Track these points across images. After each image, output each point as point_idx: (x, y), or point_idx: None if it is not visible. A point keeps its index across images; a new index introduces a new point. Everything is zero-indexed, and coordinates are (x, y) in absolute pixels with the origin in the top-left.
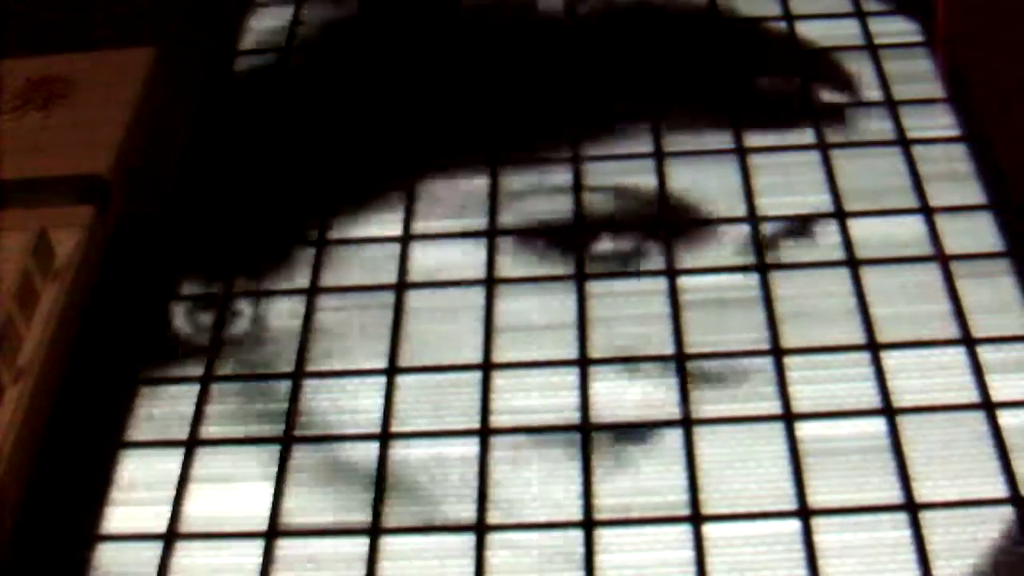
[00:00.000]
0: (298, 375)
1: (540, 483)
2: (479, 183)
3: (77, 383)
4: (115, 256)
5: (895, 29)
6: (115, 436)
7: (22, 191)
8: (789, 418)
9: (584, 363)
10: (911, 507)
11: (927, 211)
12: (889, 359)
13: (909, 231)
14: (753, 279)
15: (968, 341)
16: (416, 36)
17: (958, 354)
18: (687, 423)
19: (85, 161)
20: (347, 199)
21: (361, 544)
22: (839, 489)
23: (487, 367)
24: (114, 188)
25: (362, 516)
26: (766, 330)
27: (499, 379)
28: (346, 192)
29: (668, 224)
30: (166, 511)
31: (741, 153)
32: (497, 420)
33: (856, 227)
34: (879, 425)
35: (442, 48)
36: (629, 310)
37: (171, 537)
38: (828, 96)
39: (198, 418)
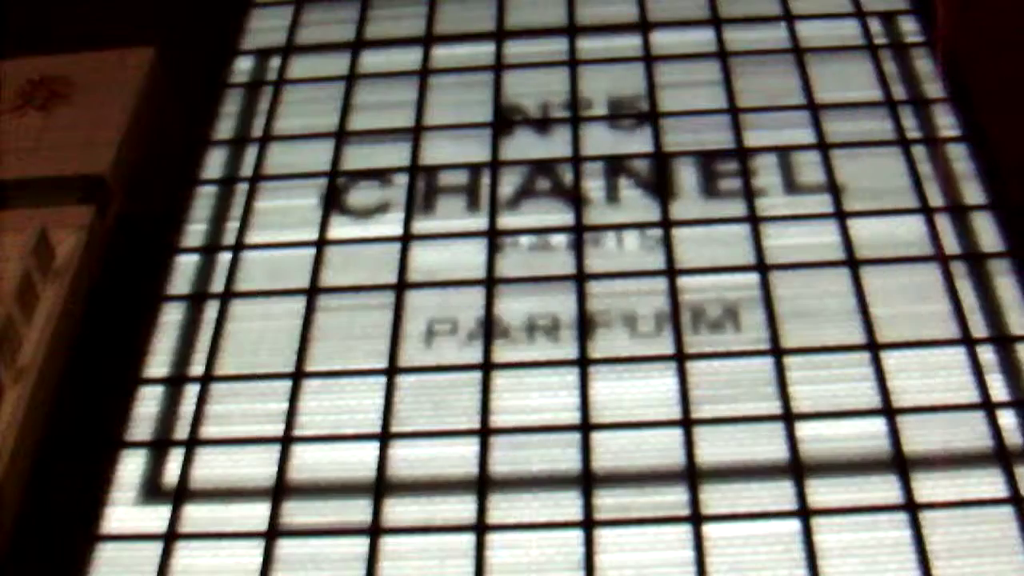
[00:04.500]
0: (298, 375)
1: (540, 482)
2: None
3: (77, 383)
4: (115, 256)
5: (895, 29)
6: (115, 436)
7: (22, 191)
8: (789, 418)
9: (584, 363)
10: (911, 507)
11: (927, 211)
12: (889, 359)
13: (909, 231)
14: (754, 278)
15: (968, 341)
16: None
17: (958, 354)
18: (687, 423)
19: (85, 161)
20: None
21: (361, 544)
22: (839, 489)
23: (487, 367)
24: (114, 188)
25: (363, 516)
26: (766, 330)
27: (499, 379)
28: None
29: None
30: (166, 511)
31: (742, 154)
32: (497, 420)
33: (856, 227)
34: (879, 425)
35: None
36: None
37: (171, 537)
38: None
39: (198, 418)
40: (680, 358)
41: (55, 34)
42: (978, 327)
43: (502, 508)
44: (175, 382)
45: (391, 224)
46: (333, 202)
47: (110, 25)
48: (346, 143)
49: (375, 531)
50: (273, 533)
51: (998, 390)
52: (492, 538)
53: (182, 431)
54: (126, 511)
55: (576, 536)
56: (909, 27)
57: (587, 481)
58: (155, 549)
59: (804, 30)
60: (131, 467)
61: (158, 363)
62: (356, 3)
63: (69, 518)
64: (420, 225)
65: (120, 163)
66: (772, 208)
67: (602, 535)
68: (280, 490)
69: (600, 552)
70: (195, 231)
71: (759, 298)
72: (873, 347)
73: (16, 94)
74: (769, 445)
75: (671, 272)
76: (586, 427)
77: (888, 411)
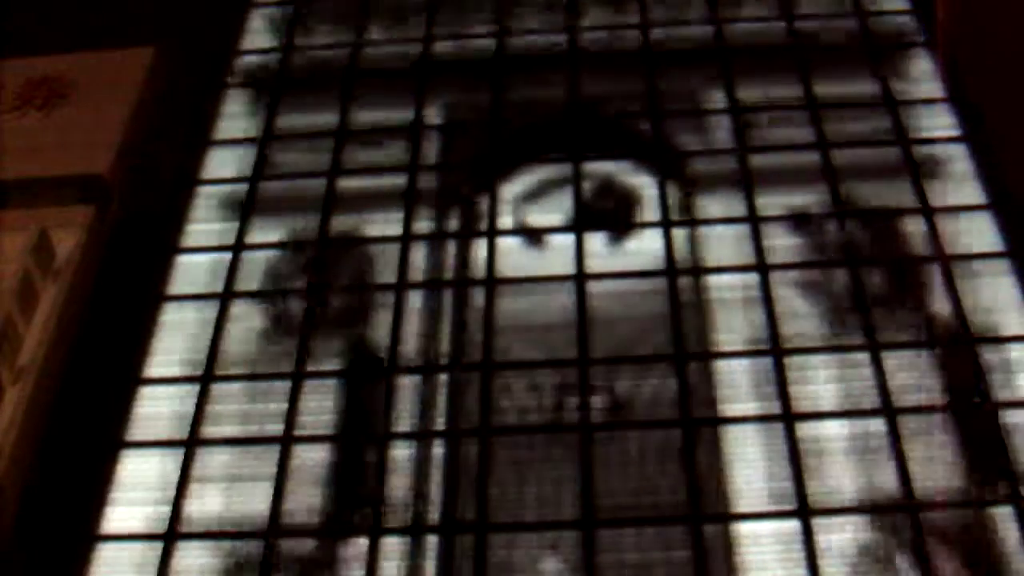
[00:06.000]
0: (297, 375)
1: (540, 483)
2: None
3: (77, 383)
4: (115, 256)
5: (895, 29)
6: (115, 436)
7: (22, 191)
8: (789, 418)
9: (585, 363)
10: (911, 506)
11: (927, 211)
12: (889, 359)
13: (908, 231)
14: (754, 278)
15: (968, 341)
16: None
17: (957, 355)
18: (687, 423)
19: (85, 161)
20: None
21: (362, 544)
22: (839, 489)
23: (487, 367)
24: (114, 188)
25: (362, 517)
26: (766, 330)
27: (501, 379)
28: None
29: (668, 223)
30: (166, 511)
31: (742, 153)
32: (497, 420)
33: (856, 227)
34: (879, 425)
35: None
36: (629, 310)
37: (171, 537)
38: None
39: (198, 418)
40: (680, 357)
41: (55, 34)
42: (976, 327)
43: (503, 508)
44: (175, 382)
45: (393, 224)
46: (333, 202)
47: (110, 25)
48: (346, 143)
49: (375, 531)
50: (273, 533)
51: (998, 390)
52: (494, 538)
53: (182, 431)
54: (126, 511)
55: (576, 535)
56: (909, 27)
57: (587, 481)
58: (155, 549)
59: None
60: (131, 467)
61: (158, 363)
62: (356, 3)
63: (69, 518)
64: (420, 225)
65: (120, 163)
66: (772, 208)
67: (602, 535)
68: (280, 490)
69: (600, 551)
70: (195, 231)
71: (759, 298)
72: (873, 347)
73: (16, 94)
74: (769, 445)
75: (671, 272)
76: (586, 427)
77: (888, 411)
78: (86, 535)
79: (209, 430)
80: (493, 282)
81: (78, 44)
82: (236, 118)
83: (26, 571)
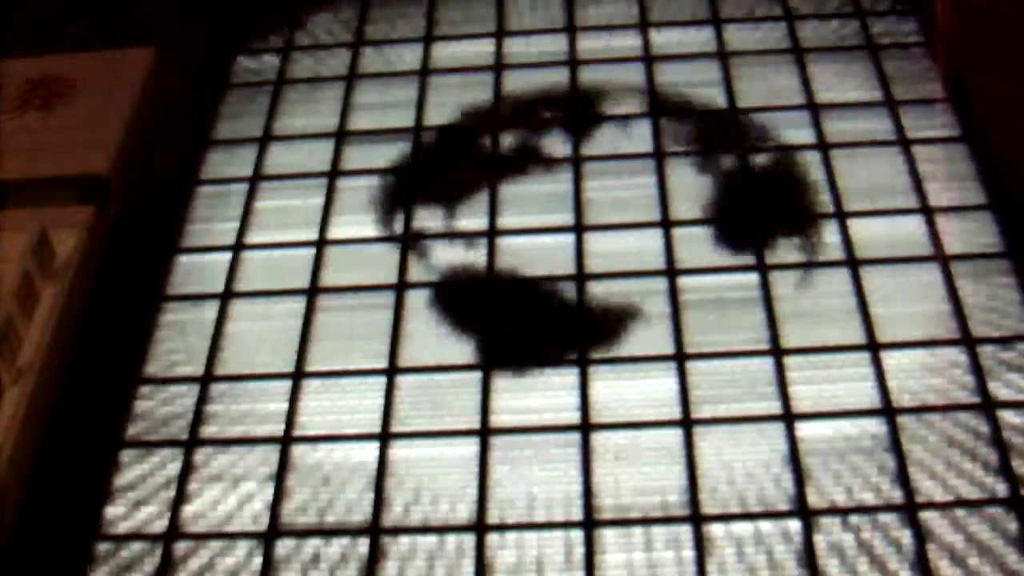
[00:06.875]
0: (298, 375)
1: (540, 483)
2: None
3: (77, 383)
4: (115, 256)
5: (895, 29)
6: (115, 436)
7: (22, 191)
8: (789, 418)
9: (584, 363)
10: (911, 507)
11: (927, 211)
12: (889, 359)
13: (909, 231)
14: (754, 278)
15: (968, 341)
16: None
17: (958, 354)
18: (687, 423)
19: (85, 161)
20: None
21: (361, 544)
22: (839, 489)
23: (487, 368)
24: (114, 188)
25: (362, 516)
26: (766, 330)
27: (499, 379)
28: None
29: (668, 223)
30: (166, 510)
31: (741, 153)
32: (497, 420)
33: (856, 227)
34: (879, 425)
35: None
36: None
37: (171, 537)
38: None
39: (198, 418)
40: (680, 358)
41: (55, 34)
42: (978, 327)
43: (502, 508)
44: (175, 382)
45: (391, 224)
46: (333, 202)
47: (110, 25)
48: (346, 143)
49: (375, 531)
50: (273, 533)
51: (998, 390)
52: (492, 538)
53: (182, 431)
54: (126, 511)
55: (577, 535)
56: (909, 27)
57: (586, 481)
58: (155, 549)
59: (804, 30)
60: (131, 467)
61: (158, 363)
62: (356, 3)
63: (69, 518)
64: (420, 225)
65: (120, 163)
66: None
67: (602, 535)
68: (280, 490)
69: (601, 552)
70: (195, 231)
71: (759, 298)
72: (873, 347)
73: (16, 94)
74: (769, 445)
75: (671, 272)
76: (586, 427)
77: (888, 411)
78: (86, 535)
79: (210, 430)
80: (492, 281)
81: (78, 44)
82: (236, 118)
83: (26, 571)
